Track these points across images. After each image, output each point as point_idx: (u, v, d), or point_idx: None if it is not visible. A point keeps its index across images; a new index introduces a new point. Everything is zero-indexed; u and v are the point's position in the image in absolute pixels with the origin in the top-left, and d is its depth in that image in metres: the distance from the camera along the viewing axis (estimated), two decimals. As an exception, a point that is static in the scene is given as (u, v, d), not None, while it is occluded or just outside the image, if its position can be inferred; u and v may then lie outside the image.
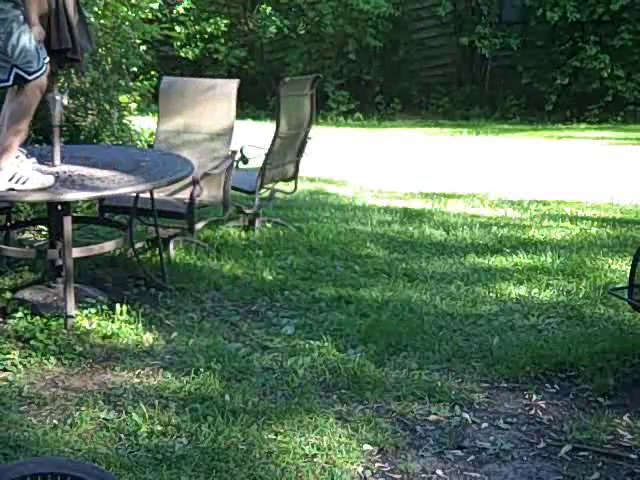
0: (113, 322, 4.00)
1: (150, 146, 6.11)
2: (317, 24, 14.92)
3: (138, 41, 7.69)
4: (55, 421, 3.13)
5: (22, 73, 3.77)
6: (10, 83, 3.82)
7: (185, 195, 4.89)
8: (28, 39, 3.77)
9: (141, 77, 8.06)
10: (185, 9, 14.32)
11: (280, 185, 6.18)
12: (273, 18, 14.73)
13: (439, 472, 2.88)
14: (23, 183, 3.81)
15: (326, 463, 2.89)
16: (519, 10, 14.80)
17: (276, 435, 3.05)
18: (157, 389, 3.41)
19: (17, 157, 3.92)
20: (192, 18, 14.45)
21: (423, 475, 2.86)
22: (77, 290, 4.10)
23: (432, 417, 3.25)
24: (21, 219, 5.32)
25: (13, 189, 3.80)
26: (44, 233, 5.34)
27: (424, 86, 15.37)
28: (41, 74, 3.82)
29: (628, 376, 3.57)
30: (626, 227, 6.19)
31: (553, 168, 9.12)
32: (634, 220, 6.54)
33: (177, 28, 13.64)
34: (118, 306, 4.09)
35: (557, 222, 6.37)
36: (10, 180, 3.79)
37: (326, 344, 3.88)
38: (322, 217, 6.40)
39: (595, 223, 6.34)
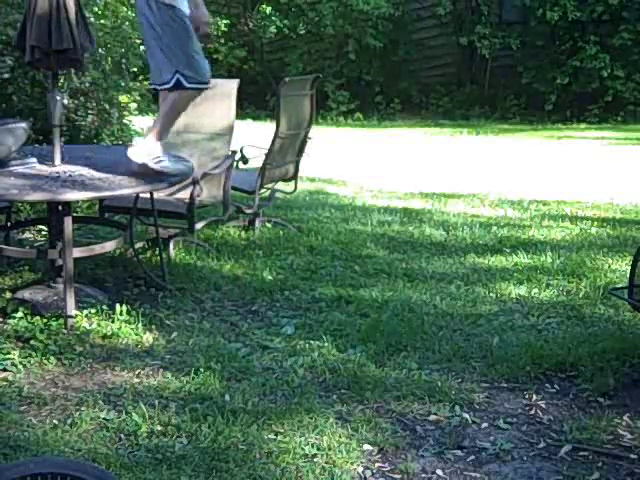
0: (113, 322, 4.00)
1: (150, 146, 6.09)
2: (317, 24, 14.92)
3: (138, 41, 7.69)
4: (55, 421, 3.13)
5: (182, 80, 3.91)
6: (170, 86, 3.98)
7: (185, 195, 4.89)
8: (195, 47, 3.94)
9: (141, 77, 8.06)
10: (185, 9, 14.31)
11: (280, 185, 6.18)
12: (273, 18, 14.73)
13: (439, 472, 2.88)
14: (157, 163, 3.95)
15: (326, 463, 2.89)
16: (519, 10, 14.80)
17: (276, 435, 3.05)
18: (157, 389, 3.41)
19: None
20: (192, 18, 14.44)
21: (423, 475, 2.86)
22: (77, 290, 4.10)
23: (432, 417, 3.25)
24: (21, 219, 5.32)
25: (146, 164, 3.96)
26: (44, 233, 5.34)
27: (424, 86, 15.37)
28: (200, 87, 3.99)
29: (628, 376, 3.57)
30: (626, 227, 6.19)
31: (553, 168, 9.12)
32: (634, 220, 6.54)
33: (177, 28, 13.63)
34: (118, 306, 4.09)
35: (557, 222, 6.37)
36: (149, 155, 3.97)
37: (326, 344, 3.88)
38: (322, 217, 6.40)
39: (595, 223, 6.34)
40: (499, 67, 14.90)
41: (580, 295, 4.61)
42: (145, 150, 4.04)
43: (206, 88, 4.08)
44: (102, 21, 7.01)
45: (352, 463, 2.90)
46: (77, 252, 4.06)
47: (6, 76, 5.80)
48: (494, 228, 6.11)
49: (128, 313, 4.09)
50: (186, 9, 4.04)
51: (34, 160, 4.29)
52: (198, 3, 4.17)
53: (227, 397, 3.33)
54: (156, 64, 4.04)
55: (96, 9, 6.93)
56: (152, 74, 4.08)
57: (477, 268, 5.12)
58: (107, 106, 6.69)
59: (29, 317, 3.95)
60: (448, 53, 15.29)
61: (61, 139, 4.36)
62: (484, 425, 3.20)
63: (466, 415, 3.26)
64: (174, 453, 2.90)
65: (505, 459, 2.96)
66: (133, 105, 7.42)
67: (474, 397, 3.41)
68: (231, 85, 5.48)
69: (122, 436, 3.03)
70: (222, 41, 14.75)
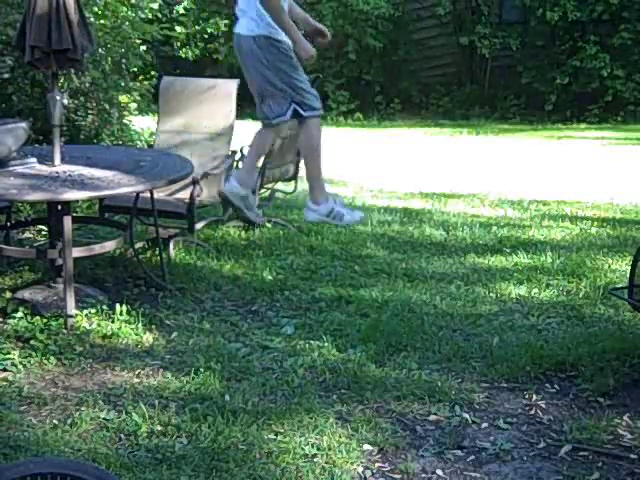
0: (113, 322, 4.00)
1: (150, 146, 6.11)
2: (317, 24, 14.88)
3: (138, 41, 7.69)
4: (55, 421, 3.13)
5: (299, 109, 4.02)
6: (287, 118, 4.10)
7: (185, 195, 4.90)
8: (302, 76, 4.07)
9: (141, 77, 8.06)
10: (185, 9, 14.31)
11: (280, 185, 6.18)
12: (273, 18, 14.72)
13: (439, 472, 2.88)
14: (340, 220, 4.05)
15: (326, 463, 2.89)
16: (519, 10, 14.79)
17: (276, 435, 3.05)
18: (157, 389, 3.41)
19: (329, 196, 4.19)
20: (192, 18, 14.44)
21: (423, 475, 2.86)
22: (77, 290, 4.10)
23: (432, 417, 3.25)
24: (21, 219, 5.32)
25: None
26: (44, 233, 5.34)
27: (424, 86, 15.36)
28: (317, 114, 4.08)
29: (628, 376, 3.57)
30: (626, 227, 6.19)
31: (553, 168, 9.12)
32: (634, 220, 6.54)
33: (177, 28, 13.62)
34: (118, 306, 4.09)
35: (557, 222, 6.37)
36: (328, 216, 4.05)
37: (326, 344, 3.88)
38: (322, 217, 6.40)
39: (595, 223, 6.34)
40: (499, 67, 14.89)
41: (580, 295, 4.61)
42: (319, 214, 4.15)
43: (320, 114, 4.18)
44: (102, 21, 7.01)
45: (352, 463, 2.90)
46: (77, 252, 4.06)
47: (6, 76, 5.80)
48: (494, 228, 6.11)
49: (128, 313, 4.09)
50: (289, 41, 4.14)
51: (34, 160, 4.29)
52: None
53: (227, 397, 3.33)
54: (266, 98, 4.11)
55: (96, 9, 6.93)
56: (264, 108, 4.14)
57: (477, 268, 5.12)
58: (107, 106, 6.69)
59: (29, 317, 3.95)
60: (448, 53, 15.28)
61: (61, 139, 4.37)
62: (484, 425, 3.20)
63: (466, 415, 3.26)
64: (174, 453, 2.90)
65: (505, 459, 2.96)
66: (133, 105, 7.42)
67: (474, 397, 3.41)
68: (231, 85, 5.48)
69: (122, 436, 3.03)
70: (222, 41, 14.74)
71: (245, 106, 13.90)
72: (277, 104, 4.09)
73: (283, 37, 4.15)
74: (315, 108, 4.12)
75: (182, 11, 14.21)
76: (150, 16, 9.11)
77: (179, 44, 14.04)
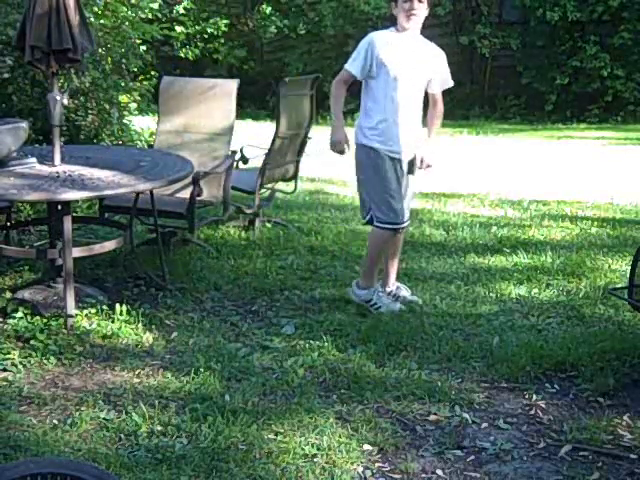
0: (113, 322, 4.00)
1: (150, 146, 6.11)
2: (317, 24, 14.91)
3: (138, 41, 7.69)
4: (55, 421, 3.13)
5: (374, 219, 4.16)
6: (364, 222, 4.27)
7: (185, 195, 4.90)
8: (391, 189, 4.12)
9: (141, 77, 8.06)
10: (185, 9, 14.32)
11: (280, 185, 6.18)
12: (273, 18, 14.73)
13: (439, 472, 2.88)
14: (376, 309, 4.22)
15: (326, 463, 2.89)
16: (519, 10, 14.80)
17: (276, 435, 3.05)
18: (157, 389, 3.41)
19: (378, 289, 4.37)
20: (192, 18, 14.45)
21: (423, 475, 2.86)
22: (77, 290, 4.10)
23: (432, 417, 3.25)
24: (21, 219, 5.32)
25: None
26: (44, 233, 5.34)
27: (424, 86, 15.36)
28: (391, 228, 4.15)
29: (628, 376, 3.57)
30: (626, 227, 6.19)
31: (553, 168, 9.12)
32: (634, 220, 6.54)
33: (177, 28, 13.64)
34: (118, 306, 4.09)
35: (557, 222, 6.37)
36: (368, 302, 4.24)
37: (326, 344, 3.88)
38: (322, 217, 6.40)
39: (595, 223, 6.34)
40: (499, 67, 14.89)
41: (580, 295, 4.61)
42: (359, 298, 4.32)
43: (398, 229, 4.23)
44: (102, 21, 7.01)
45: (352, 463, 2.90)
46: (77, 252, 4.06)
47: (6, 76, 5.80)
48: (494, 228, 6.11)
49: (128, 313, 4.09)
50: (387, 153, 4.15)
51: (34, 160, 4.29)
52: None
53: (227, 397, 3.33)
54: (360, 198, 4.29)
55: (96, 9, 6.93)
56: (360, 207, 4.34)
57: (477, 268, 5.12)
58: (107, 106, 6.70)
59: (29, 317, 3.95)
60: (448, 53, 15.15)
61: (61, 139, 4.37)
62: (484, 425, 3.20)
63: (466, 415, 3.26)
64: (174, 453, 2.90)
65: (505, 459, 2.96)
66: (133, 105, 7.42)
67: (474, 397, 3.41)
68: (231, 85, 5.48)
69: (122, 436, 3.03)
70: (222, 41, 14.75)
71: (245, 106, 13.91)
72: (363, 207, 4.33)
73: (377, 145, 4.20)
74: (389, 222, 4.19)
75: (182, 11, 14.21)
76: (150, 16, 9.12)
77: (179, 44, 14.04)
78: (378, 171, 4.13)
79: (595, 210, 6.93)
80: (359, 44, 4.18)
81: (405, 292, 4.49)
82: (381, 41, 4.17)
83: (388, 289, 4.42)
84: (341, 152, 4.19)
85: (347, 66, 4.19)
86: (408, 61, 4.19)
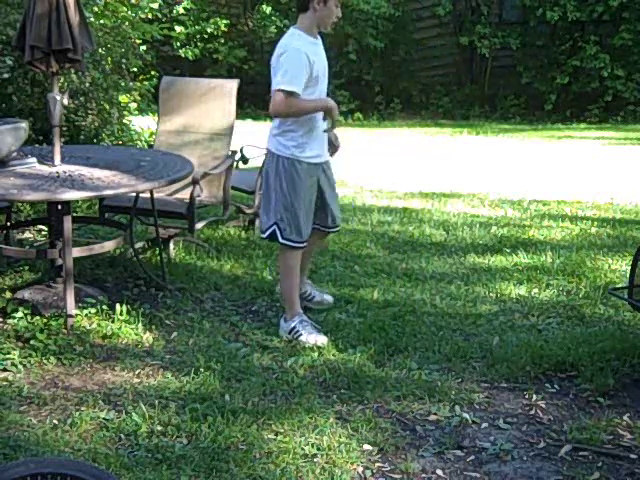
0: (113, 322, 4.00)
1: (150, 146, 6.11)
2: (317, 24, 14.87)
3: (138, 41, 7.69)
4: (55, 421, 3.13)
5: (277, 232, 3.91)
6: (265, 236, 3.98)
7: (185, 195, 4.89)
8: (302, 208, 3.91)
9: (141, 77, 8.06)
10: (185, 9, 14.31)
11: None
12: (273, 18, 14.71)
13: (439, 472, 2.88)
14: (297, 338, 3.93)
15: (326, 463, 2.89)
16: (519, 10, 14.79)
17: (276, 435, 3.06)
18: (157, 389, 3.41)
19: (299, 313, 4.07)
20: (192, 18, 14.44)
21: (423, 475, 2.86)
22: (77, 290, 4.10)
23: (432, 417, 3.25)
24: (21, 219, 5.32)
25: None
26: (44, 233, 5.34)
27: (424, 86, 15.36)
28: (294, 245, 3.94)
29: (628, 376, 3.57)
30: (626, 227, 6.19)
31: (553, 168, 9.12)
32: (634, 220, 6.54)
33: (177, 28, 13.63)
34: (118, 306, 4.09)
35: (557, 222, 6.37)
36: (290, 333, 3.96)
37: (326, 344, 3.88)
38: (322, 217, 6.39)
39: (595, 223, 6.34)
40: (499, 67, 14.89)
41: (580, 295, 4.61)
42: (285, 330, 4.02)
43: (300, 248, 3.99)
44: (102, 21, 7.02)
45: (352, 463, 2.90)
46: (77, 252, 4.06)
47: (6, 76, 5.80)
48: (494, 228, 6.11)
49: (128, 313, 4.09)
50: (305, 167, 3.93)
51: (34, 160, 4.29)
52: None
53: (227, 397, 3.33)
54: (263, 210, 4.01)
55: (96, 9, 6.93)
56: (262, 221, 4.06)
57: (477, 268, 5.12)
58: (107, 106, 6.70)
59: (29, 317, 3.95)
60: (448, 53, 15.28)
61: (61, 139, 4.36)
62: (484, 425, 3.20)
63: (466, 415, 3.26)
64: (174, 453, 2.90)
65: (505, 459, 2.96)
66: (133, 105, 7.43)
67: (474, 397, 3.41)
68: (231, 85, 5.48)
69: (122, 436, 3.03)
70: (222, 41, 14.74)
71: (245, 106, 13.92)
72: (265, 220, 4.03)
73: (301, 157, 3.96)
74: (294, 241, 3.95)
75: (182, 11, 14.20)
76: (150, 16, 9.13)
77: (179, 44, 14.04)
78: (297, 186, 3.91)
79: (595, 210, 6.93)
80: (289, 55, 3.74)
81: (315, 291, 4.37)
82: (310, 52, 3.78)
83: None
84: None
85: (286, 87, 3.71)
86: (325, 68, 3.96)
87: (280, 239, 3.93)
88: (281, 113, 3.83)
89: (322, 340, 3.90)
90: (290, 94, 3.73)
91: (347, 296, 4.53)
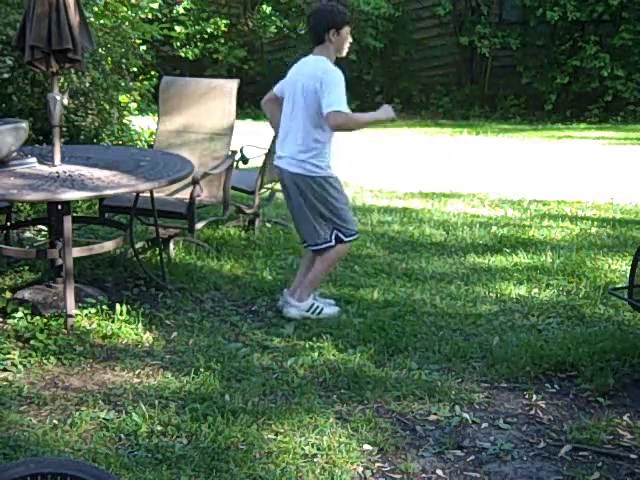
0: (113, 322, 4.00)
1: (150, 146, 6.11)
2: (317, 24, 14.85)
3: (138, 41, 7.69)
4: (55, 421, 3.13)
5: (341, 235, 4.19)
6: (333, 243, 4.21)
7: (185, 195, 4.89)
8: (342, 201, 4.22)
9: (141, 77, 8.06)
10: (185, 9, 14.31)
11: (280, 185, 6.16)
12: (273, 18, 14.71)
13: (439, 472, 2.88)
14: (319, 314, 4.23)
15: (326, 463, 2.89)
16: (519, 10, 14.79)
17: (276, 435, 3.06)
18: (157, 389, 3.41)
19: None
20: (192, 18, 14.44)
21: (423, 475, 2.86)
22: (77, 290, 4.10)
23: (432, 417, 3.25)
24: (21, 219, 5.32)
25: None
26: (44, 233, 5.34)
27: (424, 86, 15.35)
28: (355, 238, 4.31)
29: (628, 376, 3.57)
30: (626, 227, 6.19)
31: (553, 168, 9.12)
32: (634, 220, 6.54)
33: (177, 28, 13.63)
34: (118, 306, 4.09)
35: (557, 222, 6.37)
36: (308, 310, 4.24)
37: (326, 344, 3.88)
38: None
39: (595, 223, 6.34)
40: (499, 67, 14.88)
41: (580, 295, 4.62)
42: (303, 309, 4.25)
43: (356, 238, 4.37)
44: (102, 21, 7.01)
45: (352, 463, 2.90)
46: (77, 251, 4.06)
47: (6, 76, 5.80)
48: (494, 228, 6.11)
49: (128, 313, 4.09)
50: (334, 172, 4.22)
51: (34, 160, 4.29)
52: None
53: (227, 397, 3.33)
54: (312, 227, 4.20)
55: (96, 9, 6.93)
56: (307, 236, 4.24)
57: (477, 268, 5.12)
58: (107, 106, 6.70)
59: (29, 317, 3.95)
60: (448, 53, 15.27)
61: (61, 139, 4.36)
62: (484, 425, 3.20)
63: (466, 415, 3.26)
64: (174, 453, 2.90)
65: (505, 459, 2.96)
66: (133, 105, 7.42)
67: (474, 397, 3.41)
68: (231, 85, 5.48)
69: (122, 436, 3.03)
70: (222, 41, 14.74)
71: (245, 106, 13.92)
72: (324, 231, 4.24)
73: (331, 171, 4.25)
74: (354, 233, 4.29)
75: (182, 11, 14.20)
76: (150, 16, 9.13)
77: (179, 44, 14.03)
78: (337, 192, 4.21)
79: (595, 210, 6.93)
80: (334, 78, 4.03)
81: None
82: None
83: (289, 292, 4.31)
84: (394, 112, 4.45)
85: (341, 107, 4.00)
86: None
87: (345, 239, 4.21)
88: (342, 126, 4.12)
89: (337, 310, 4.31)
90: (340, 112, 4.04)
91: (347, 296, 4.53)
